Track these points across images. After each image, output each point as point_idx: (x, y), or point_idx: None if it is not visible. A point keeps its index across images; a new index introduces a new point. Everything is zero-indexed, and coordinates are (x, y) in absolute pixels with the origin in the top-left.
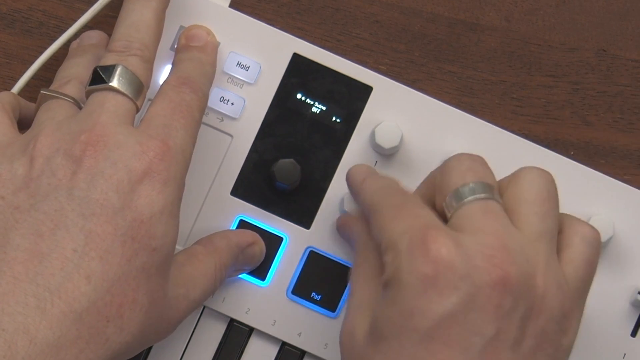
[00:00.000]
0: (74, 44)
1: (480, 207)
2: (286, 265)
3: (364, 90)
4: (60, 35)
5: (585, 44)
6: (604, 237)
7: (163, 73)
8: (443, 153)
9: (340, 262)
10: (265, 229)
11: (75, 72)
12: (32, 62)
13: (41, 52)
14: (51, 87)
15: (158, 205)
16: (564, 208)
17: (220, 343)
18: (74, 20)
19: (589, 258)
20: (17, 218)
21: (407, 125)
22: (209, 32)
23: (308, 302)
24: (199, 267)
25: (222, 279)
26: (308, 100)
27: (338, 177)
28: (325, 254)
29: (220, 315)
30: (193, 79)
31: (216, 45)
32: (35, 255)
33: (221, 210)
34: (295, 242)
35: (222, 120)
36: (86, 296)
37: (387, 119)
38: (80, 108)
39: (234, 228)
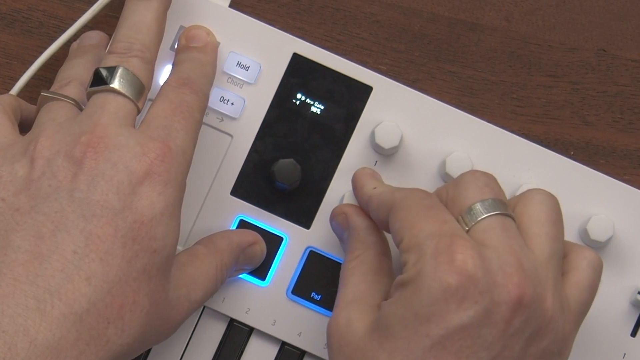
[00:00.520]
0: (74, 45)
1: (500, 223)
2: (286, 265)
3: (364, 90)
4: (60, 35)
5: (585, 44)
6: (604, 237)
7: (163, 73)
8: (443, 153)
9: (340, 262)
10: (265, 229)
11: (76, 73)
12: (32, 62)
13: (41, 52)
14: (51, 89)
15: (159, 206)
16: (564, 208)
17: (220, 343)
18: (74, 20)
19: (593, 283)
20: (18, 220)
21: (407, 125)
22: (209, 33)
23: (308, 302)
24: (200, 267)
25: (223, 279)
26: (308, 100)
27: (338, 177)
28: (325, 254)
29: (220, 315)
30: (193, 79)
31: (216, 45)
32: (35, 257)
33: (221, 210)
34: (295, 242)
35: (222, 120)
36: (86, 298)
37: (387, 119)
38: (81, 109)
39: (234, 228)
